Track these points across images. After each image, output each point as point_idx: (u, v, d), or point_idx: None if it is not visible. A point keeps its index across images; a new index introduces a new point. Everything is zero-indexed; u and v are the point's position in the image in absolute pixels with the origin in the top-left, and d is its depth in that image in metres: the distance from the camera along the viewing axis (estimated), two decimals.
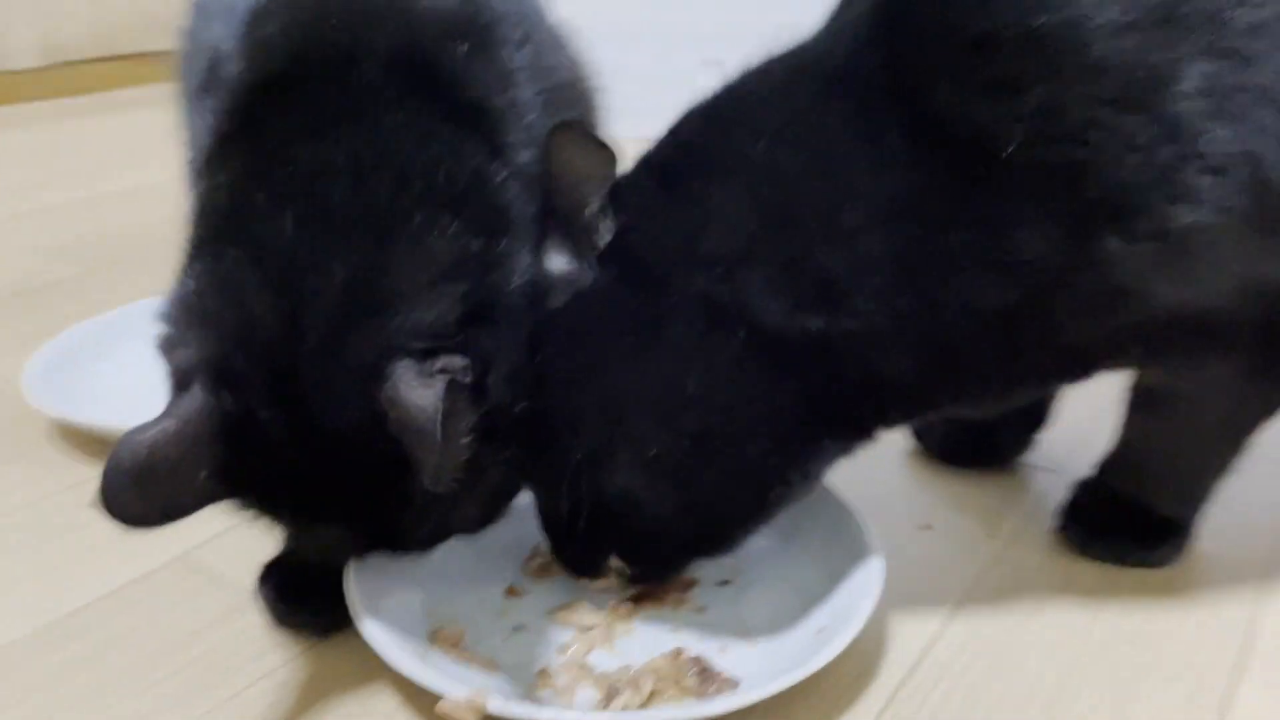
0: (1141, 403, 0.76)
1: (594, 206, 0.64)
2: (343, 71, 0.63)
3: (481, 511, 0.67)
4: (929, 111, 0.60)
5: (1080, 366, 0.68)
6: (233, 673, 0.68)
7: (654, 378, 0.63)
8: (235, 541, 0.80)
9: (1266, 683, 0.68)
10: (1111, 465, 0.81)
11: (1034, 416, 0.90)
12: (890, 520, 0.80)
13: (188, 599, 0.76)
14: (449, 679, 0.61)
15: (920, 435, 0.92)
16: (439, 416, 0.52)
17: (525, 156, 0.68)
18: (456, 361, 0.57)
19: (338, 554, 0.68)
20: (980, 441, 0.91)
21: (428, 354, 0.56)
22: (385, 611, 0.66)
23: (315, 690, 0.67)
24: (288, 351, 0.56)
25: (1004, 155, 0.58)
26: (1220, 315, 0.64)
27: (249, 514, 0.61)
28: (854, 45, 0.63)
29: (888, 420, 0.67)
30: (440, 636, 0.68)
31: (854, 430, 0.67)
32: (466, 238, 0.59)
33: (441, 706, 0.60)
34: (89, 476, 0.87)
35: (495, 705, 0.59)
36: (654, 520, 0.65)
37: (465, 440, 0.55)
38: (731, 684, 0.64)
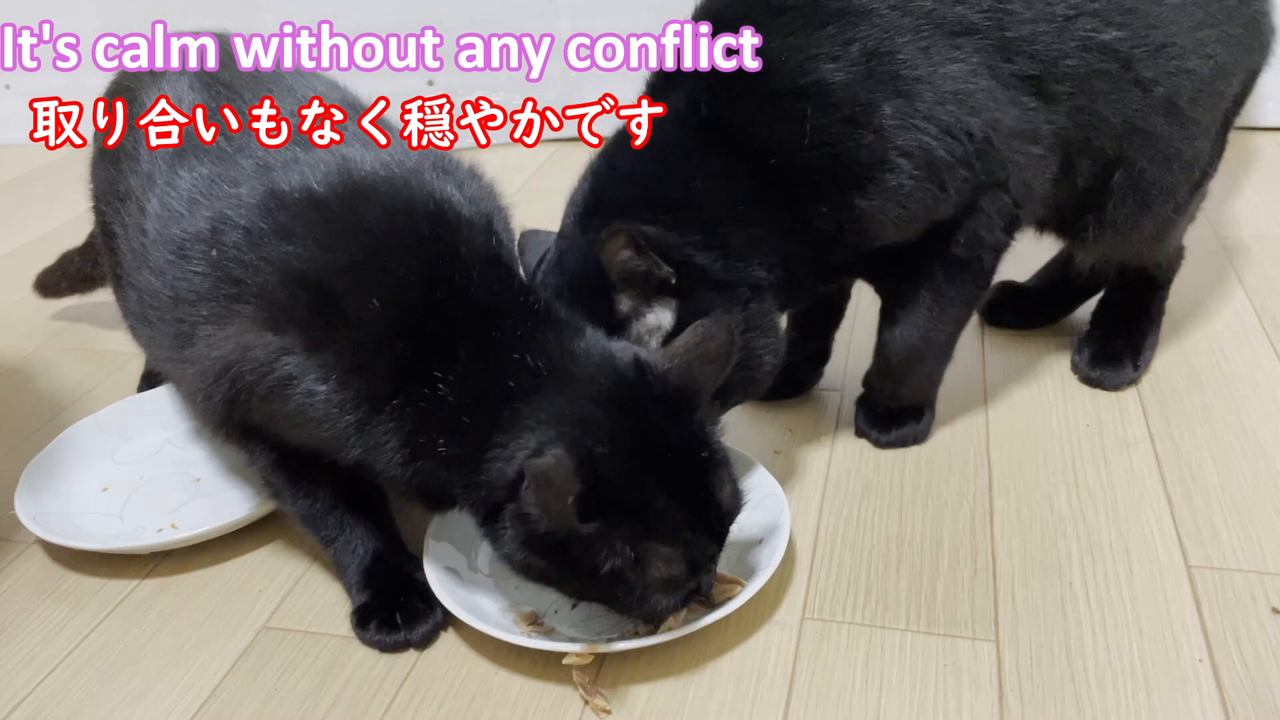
0: (883, 315, 1.18)
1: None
2: None
3: None
4: (753, 139, 1.00)
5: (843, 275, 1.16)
6: (377, 693, 0.92)
7: None
8: (296, 601, 1.02)
9: (1006, 489, 1.12)
10: (871, 379, 1.23)
11: (820, 356, 1.30)
12: (752, 450, 1.16)
13: (294, 658, 0.97)
14: (555, 641, 0.91)
15: None
16: None
17: None
18: None
19: None
20: (787, 378, 1.29)
21: None
22: (479, 612, 0.94)
23: (442, 679, 0.93)
24: None
25: (799, 155, 0.99)
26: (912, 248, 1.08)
27: None
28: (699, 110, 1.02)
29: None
30: (522, 618, 0.96)
31: None
32: None
33: (568, 659, 0.89)
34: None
35: (603, 647, 0.89)
36: None
37: None
38: (738, 581, 0.97)
